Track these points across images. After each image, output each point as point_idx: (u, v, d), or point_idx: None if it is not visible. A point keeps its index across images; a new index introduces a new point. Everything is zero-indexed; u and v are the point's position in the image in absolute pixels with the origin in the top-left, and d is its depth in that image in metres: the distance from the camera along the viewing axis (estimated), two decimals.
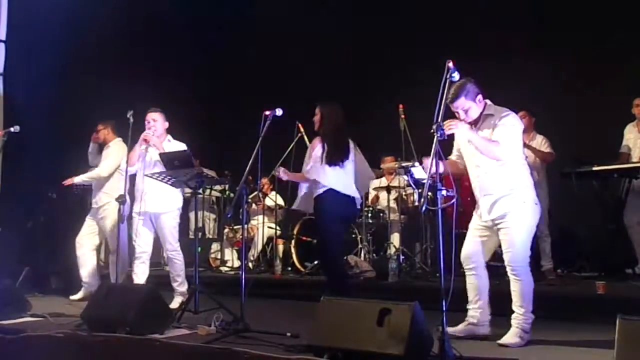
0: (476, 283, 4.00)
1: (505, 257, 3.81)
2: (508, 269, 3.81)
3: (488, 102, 4.00)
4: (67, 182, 6.21)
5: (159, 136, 5.56)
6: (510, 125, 3.86)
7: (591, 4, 7.17)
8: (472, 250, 4.00)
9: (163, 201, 5.51)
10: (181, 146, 5.52)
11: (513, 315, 3.81)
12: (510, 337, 3.75)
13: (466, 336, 3.93)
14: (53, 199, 7.27)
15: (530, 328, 3.80)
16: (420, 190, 4.23)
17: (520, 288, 3.78)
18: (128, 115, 5.36)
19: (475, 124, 3.98)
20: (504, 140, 3.80)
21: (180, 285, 5.58)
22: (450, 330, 3.84)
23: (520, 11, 7.54)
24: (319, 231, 5.04)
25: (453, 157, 4.25)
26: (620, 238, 6.04)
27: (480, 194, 3.95)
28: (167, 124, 5.66)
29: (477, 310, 4.00)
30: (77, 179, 6.19)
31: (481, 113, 3.95)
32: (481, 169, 3.93)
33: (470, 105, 3.90)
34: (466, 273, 4.04)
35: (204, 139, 9.09)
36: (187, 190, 5.40)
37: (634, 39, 6.82)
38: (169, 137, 5.69)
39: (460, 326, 4.01)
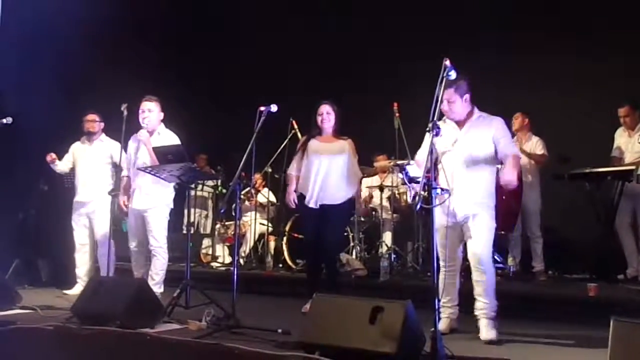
0: (455, 282, 4.20)
1: (475, 253, 3.98)
2: (476, 263, 3.98)
3: (476, 109, 4.10)
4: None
5: (152, 128, 5.36)
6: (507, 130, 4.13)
7: (587, 5, 7.20)
8: (452, 249, 4.13)
9: (152, 197, 5.34)
10: (173, 137, 5.36)
11: (479, 306, 3.98)
12: (489, 333, 3.89)
13: (446, 332, 4.03)
14: (44, 192, 7.22)
15: (496, 316, 3.97)
16: (414, 189, 4.25)
17: (486, 280, 3.97)
18: (122, 109, 5.31)
19: (462, 124, 4.06)
20: (511, 141, 4.11)
21: (156, 286, 5.15)
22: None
23: (518, 12, 7.54)
24: (334, 231, 5.15)
25: (419, 157, 4.25)
26: (612, 240, 6.06)
27: (457, 194, 3.96)
28: (162, 115, 5.41)
29: (456, 307, 4.20)
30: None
31: (468, 114, 4.06)
32: (465, 171, 3.99)
33: (455, 100, 3.99)
34: (448, 272, 4.15)
35: (196, 135, 9.06)
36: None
37: (629, 40, 6.85)
38: (161, 127, 5.43)
39: (443, 323, 4.10)
